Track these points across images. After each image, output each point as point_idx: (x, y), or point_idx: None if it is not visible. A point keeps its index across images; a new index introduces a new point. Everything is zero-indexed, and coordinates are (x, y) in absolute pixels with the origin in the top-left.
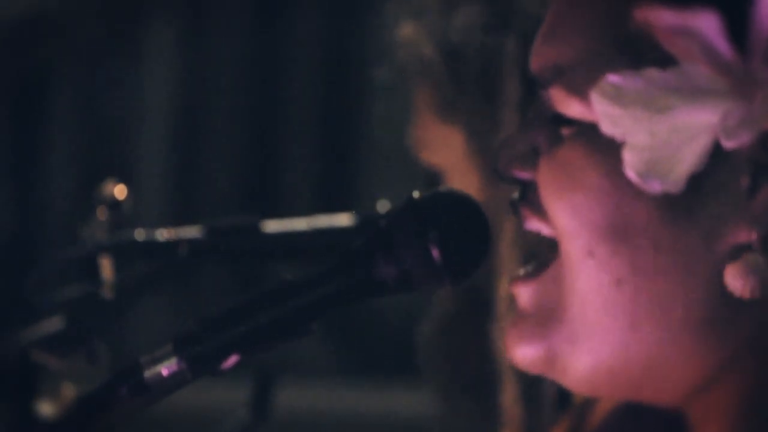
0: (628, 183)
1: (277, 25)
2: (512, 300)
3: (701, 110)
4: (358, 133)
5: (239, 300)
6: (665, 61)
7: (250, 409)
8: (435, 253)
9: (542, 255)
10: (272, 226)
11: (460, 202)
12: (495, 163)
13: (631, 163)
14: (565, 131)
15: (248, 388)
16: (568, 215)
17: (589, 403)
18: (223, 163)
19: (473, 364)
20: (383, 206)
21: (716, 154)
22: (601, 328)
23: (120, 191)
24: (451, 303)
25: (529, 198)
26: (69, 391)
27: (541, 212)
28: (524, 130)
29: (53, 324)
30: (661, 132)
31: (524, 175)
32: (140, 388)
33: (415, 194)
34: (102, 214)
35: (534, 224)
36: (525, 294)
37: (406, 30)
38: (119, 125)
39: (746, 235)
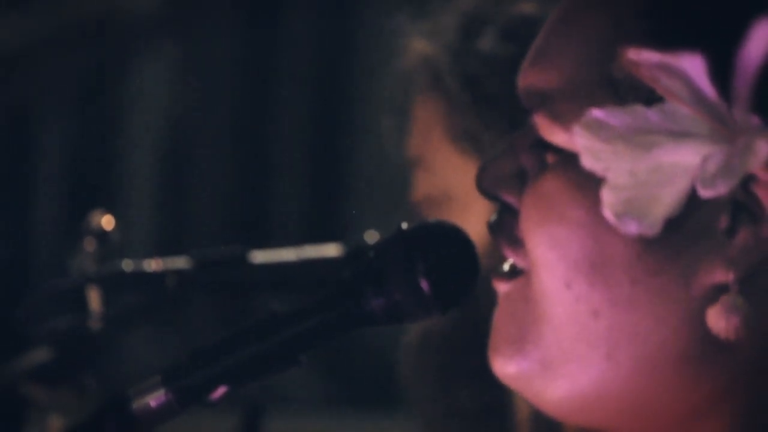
0: (605, 222)
1: (266, 40)
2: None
3: (683, 151)
4: (347, 162)
5: (228, 331)
6: (650, 99)
7: None
8: (424, 284)
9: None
10: (260, 256)
11: (448, 233)
12: (480, 181)
13: (608, 203)
14: (550, 158)
15: (236, 419)
16: (546, 247)
17: None
18: (211, 194)
19: (459, 385)
20: (372, 237)
21: (696, 195)
22: (577, 356)
23: (107, 222)
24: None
25: (505, 224)
26: (57, 423)
27: (516, 242)
28: (510, 151)
29: (41, 355)
30: (641, 171)
31: (508, 198)
32: (128, 420)
33: (404, 225)
34: (90, 244)
35: (508, 253)
36: (501, 300)
37: (420, 48)
38: (107, 156)
39: (723, 275)
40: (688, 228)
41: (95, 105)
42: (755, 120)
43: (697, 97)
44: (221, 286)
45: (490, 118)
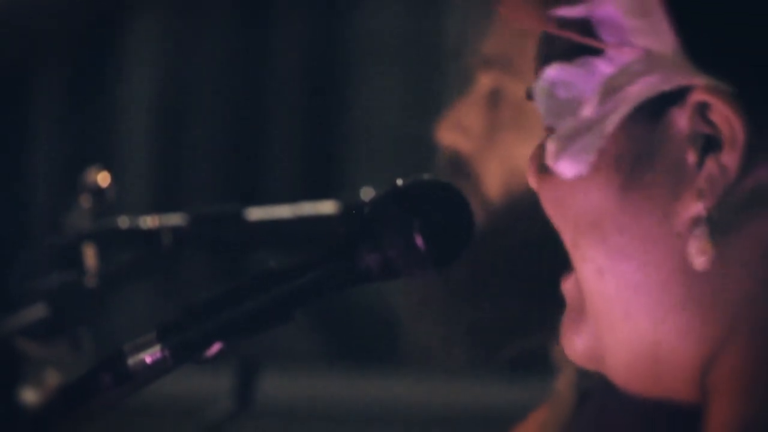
0: (590, 175)
1: (262, 17)
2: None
3: (627, 89)
4: (343, 119)
5: (223, 287)
6: (595, 52)
7: (233, 397)
8: (419, 240)
9: None
10: (256, 213)
11: (443, 189)
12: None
13: (550, 150)
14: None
15: (231, 376)
16: (551, 211)
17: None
18: (207, 150)
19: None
20: (367, 193)
21: (661, 132)
22: (607, 324)
23: (103, 179)
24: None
25: None
26: (52, 379)
27: None
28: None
29: (36, 312)
30: (585, 112)
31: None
32: (124, 376)
33: (399, 181)
34: (85, 201)
35: None
36: (564, 289)
37: None
38: (103, 112)
39: (695, 208)
40: (659, 166)
41: (91, 62)
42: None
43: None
44: (217, 243)
45: None
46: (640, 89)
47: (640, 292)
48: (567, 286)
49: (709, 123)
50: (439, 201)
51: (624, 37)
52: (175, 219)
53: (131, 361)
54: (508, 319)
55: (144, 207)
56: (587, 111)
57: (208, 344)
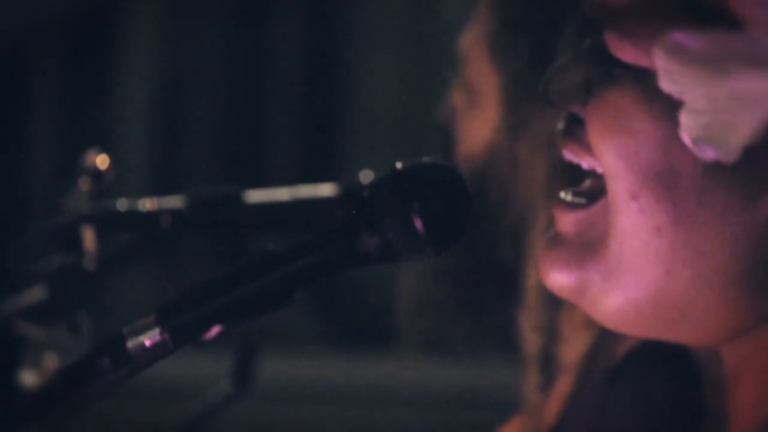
0: (676, 134)
1: None
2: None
3: (763, 80)
4: (342, 102)
5: (222, 270)
6: (731, 23)
7: (233, 379)
8: (418, 223)
9: (589, 186)
10: (254, 196)
11: (443, 172)
12: (546, 93)
13: (687, 127)
14: (617, 71)
15: (231, 358)
16: (614, 156)
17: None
18: (205, 133)
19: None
20: (366, 177)
21: None
22: (636, 270)
23: (102, 161)
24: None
25: (576, 131)
26: (51, 362)
27: (587, 146)
28: (577, 60)
29: (35, 294)
30: (720, 97)
31: (573, 108)
32: (123, 359)
33: (398, 164)
34: (84, 184)
35: (582, 158)
36: (570, 221)
37: None
38: (102, 95)
39: None
40: (760, 155)
41: (91, 44)
42: None
43: None
44: (216, 226)
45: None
46: None
47: (696, 259)
48: (569, 217)
49: None
50: (439, 184)
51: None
52: (173, 201)
53: (130, 344)
54: (495, 298)
55: (143, 189)
56: (727, 89)
57: (208, 327)
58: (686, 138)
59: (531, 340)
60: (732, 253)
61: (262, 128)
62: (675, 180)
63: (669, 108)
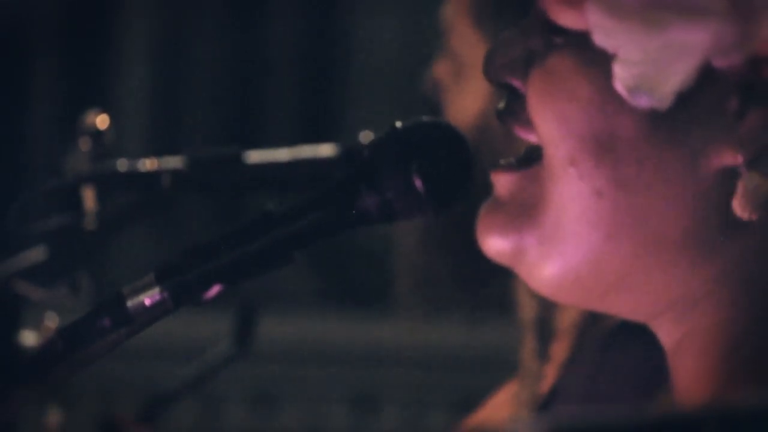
0: (617, 96)
1: None
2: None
3: (695, 29)
4: (342, 62)
5: (222, 230)
6: None
7: (233, 339)
8: (417, 183)
9: (528, 152)
10: (254, 156)
11: (442, 131)
12: (487, 67)
13: (620, 77)
14: (558, 40)
15: (230, 318)
16: (553, 123)
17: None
18: (205, 93)
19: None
20: (366, 137)
21: (706, 74)
22: (576, 236)
23: (102, 121)
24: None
25: (515, 108)
26: (51, 322)
27: (527, 123)
28: (517, 36)
29: (35, 254)
30: (653, 48)
31: (515, 82)
32: (123, 318)
33: (398, 124)
34: (84, 144)
35: (521, 133)
36: (504, 182)
37: None
38: (101, 55)
39: (732, 157)
40: (698, 109)
41: (89, 5)
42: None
43: None
44: (216, 186)
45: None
46: (712, 38)
47: (638, 222)
48: (504, 178)
49: (760, 77)
50: (438, 143)
51: None
52: (173, 162)
53: (130, 303)
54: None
55: (143, 150)
56: (659, 41)
57: (208, 286)
58: (620, 87)
59: (527, 306)
60: (676, 214)
61: (263, 89)
62: (615, 144)
63: (607, 71)
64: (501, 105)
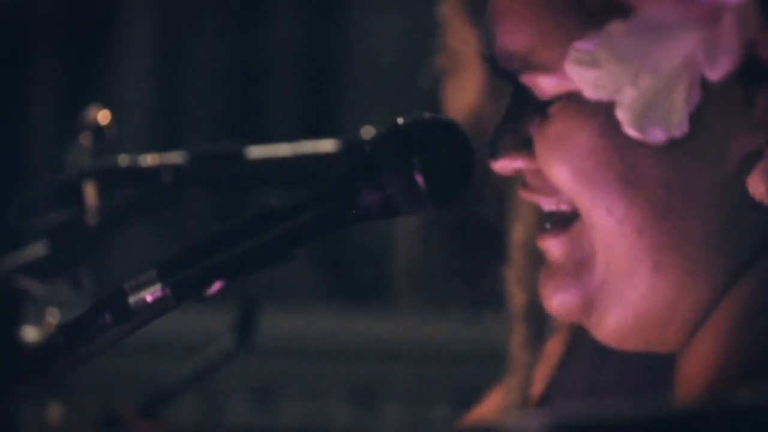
0: (623, 135)
1: None
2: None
3: (675, 48)
4: (344, 57)
5: (223, 226)
6: (623, 12)
7: (234, 334)
8: (418, 178)
9: (562, 214)
10: (256, 151)
11: (444, 127)
12: (494, 161)
13: (626, 121)
14: (552, 109)
15: (232, 314)
16: (577, 187)
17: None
18: (207, 88)
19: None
20: (367, 132)
21: (704, 83)
22: (627, 276)
23: (104, 117)
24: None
25: (534, 182)
26: (53, 317)
27: (552, 192)
28: (512, 121)
29: (37, 250)
30: (645, 80)
31: (523, 164)
32: (124, 314)
33: (399, 120)
34: (86, 139)
35: (550, 204)
36: (555, 247)
37: None
38: (103, 49)
39: (752, 140)
40: (706, 112)
41: (90, 4)
42: None
43: None
44: (217, 181)
45: None
46: (694, 52)
47: (679, 245)
48: (553, 243)
49: (755, 59)
50: (440, 139)
51: None
52: (175, 157)
53: (132, 299)
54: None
55: (144, 145)
56: (648, 75)
57: (209, 283)
58: (631, 132)
59: (516, 296)
60: (711, 214)
61: (263, 84)
62: (639, 178)
63: (607, 116)
64: (521, 184)
